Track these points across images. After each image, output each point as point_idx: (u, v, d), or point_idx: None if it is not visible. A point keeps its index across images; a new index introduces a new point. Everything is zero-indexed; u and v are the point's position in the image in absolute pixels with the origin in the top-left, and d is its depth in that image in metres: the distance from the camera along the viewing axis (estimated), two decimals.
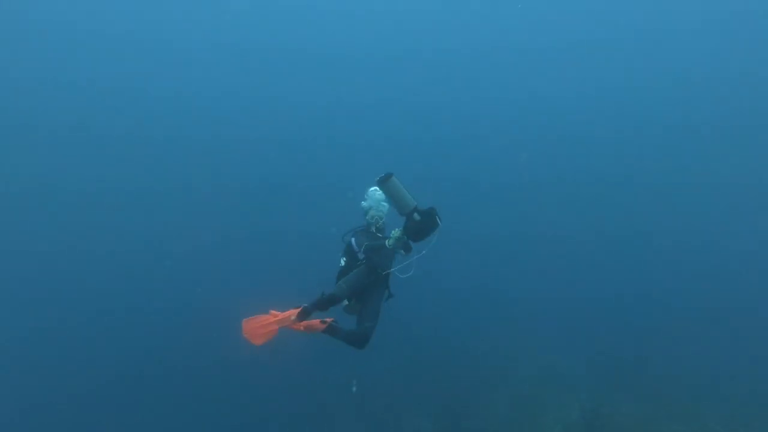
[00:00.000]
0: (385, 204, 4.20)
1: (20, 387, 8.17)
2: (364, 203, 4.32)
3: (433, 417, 7.30)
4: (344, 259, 4.13)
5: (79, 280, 11.61)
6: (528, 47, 18.96)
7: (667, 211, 14.77)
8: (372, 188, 4.29)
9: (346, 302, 3.97)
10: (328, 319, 3.71)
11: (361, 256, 4.00)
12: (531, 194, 15.68)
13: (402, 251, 3.96)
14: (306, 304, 3.72)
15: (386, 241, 3.91)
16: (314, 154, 17.11)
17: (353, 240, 4.16)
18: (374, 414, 7.40)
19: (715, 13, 17.53)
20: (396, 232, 3.91)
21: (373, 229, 4.26)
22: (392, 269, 3.92)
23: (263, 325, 3.66)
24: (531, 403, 7.44)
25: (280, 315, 3.70)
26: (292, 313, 3.68)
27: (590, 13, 18.35)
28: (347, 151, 16.61)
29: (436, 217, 3.82)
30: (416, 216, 3.79)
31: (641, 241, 13.81)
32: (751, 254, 12.57)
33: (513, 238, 14.16)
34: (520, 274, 12.13)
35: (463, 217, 14.31)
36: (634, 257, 13.25)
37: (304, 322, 3.69)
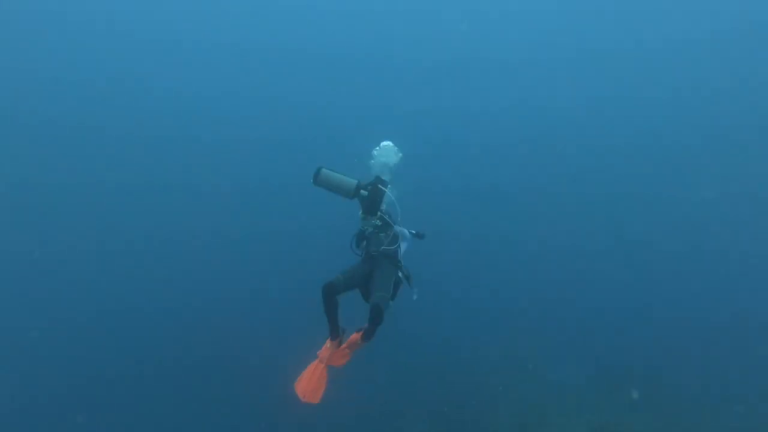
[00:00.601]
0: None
1: (20, 387, 8.16)
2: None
3: (432, 427, 7.19)
4: None
5: (78, 281, 11.61)
6: (531, 50, 18.97)
7: (671, 221, 14.68)
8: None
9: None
10: (362, 327, 3.70)
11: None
12: (537, 203, 15.50)
13: (379, 224, 4.01)
14: (330, 330, 3.68)
15: (361, 226, 4.03)
16: (314, 154, 17.10)
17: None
18: (372, 423, 7.30)
19: (717, 17, 17.52)
20: (361, 215, 3.98)
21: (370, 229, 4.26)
22: (383, 247, 3.93)
23: (312, 374, 3.58)
24: (535, 418, 7.24)
25: (321, 352, 3.66)
26: (328, 342, 3.68)
27: (592, 17, 18.36)
28: (349, 150, 16.57)
29: (379, 185, 3.81)
30: (363, 193, 3.81)
31: (647, 252, 13.57)
32: (757, 262, 12.50)
33: (518, 247, 13.93)
34: (524, 283, 11.87)
35: (467, 224, 14.22)
36: (640, 268, 12.99)
37: (344, 345, 3.70)
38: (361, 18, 19.68)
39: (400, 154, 4.33)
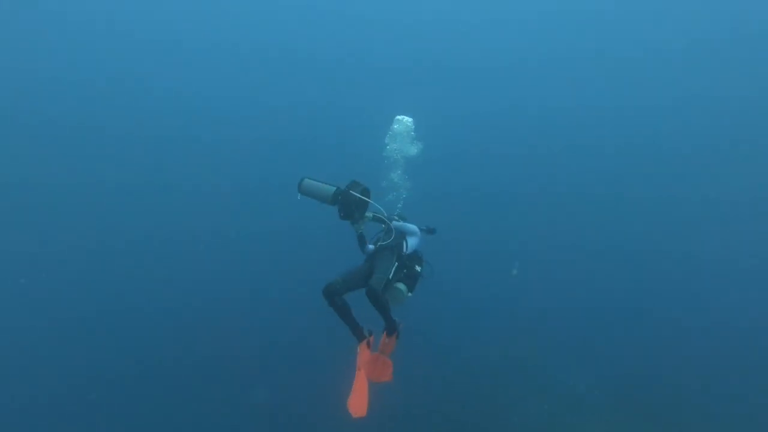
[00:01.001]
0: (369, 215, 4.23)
1: (20, 387, 8.16)
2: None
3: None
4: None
5: (78, 281, 11.60)
6: (531, 53, 18.95)
7: (671, 222, 14.59)
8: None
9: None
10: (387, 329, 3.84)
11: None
12: (551, 207, 15.38)
13: (383, 225, 4.21)
14: (353, 334, 3.74)
15: (355, 230, 4.19)
16: (314, 154, 17.10)
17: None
18: (376, 425, 7.22)
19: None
20: (352, 224, 4.14)
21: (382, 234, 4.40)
22: (380, 243, 4.13)
23: (359, 390, 3.62)
24: (544, 422, 7.13)
25: (359, 362, 3.71)
26: (359, 348, 3.71)
27: (596, 18, 18.35)
28: (349, 151, 16.60)
29: (351, 191, 3.86)
30: (339, 199, 3.93)
31: (664, 260, 13.35)
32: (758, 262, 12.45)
33: (531, 252, 13.74)
34: (538, 290, 11.60)
35: (476, 228, 14.08)
36: (650, 271, 12.86)
37: (378, 352, 3.79)
38: (362, 18, 19.66)
39: (420, 144, 4.38)
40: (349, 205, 3.85)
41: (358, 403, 3.53)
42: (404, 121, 4.36)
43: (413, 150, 4.42)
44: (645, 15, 18.15)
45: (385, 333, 3.76)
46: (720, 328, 9.74)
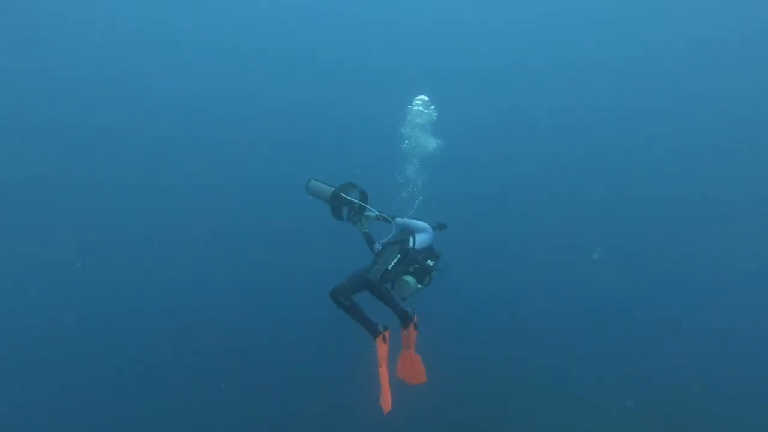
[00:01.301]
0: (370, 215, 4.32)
1: (19, 387, 8.16)
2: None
3: None
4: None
5: (78, 281, 11.61)
6: (531, 54, 18.92)
7: (692, 228, 14.47)
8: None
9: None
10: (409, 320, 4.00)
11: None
12: (551, 207, 15.33)
13: (385, 222, 4.34)
14: (368, 331, 3.78)
15: (362, 230, 4.33)
16: (314, 155, 17.10)
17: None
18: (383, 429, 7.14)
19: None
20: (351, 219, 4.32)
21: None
22: (383, 241, 4.27)
23: (385, 386, 3.66)
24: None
25: (378, 358, 3.72)
26: (376, 344, 3.74)
27: (597, 18, 18.32)
28: (349, 151, 16.61)
29: (340, 194, 4.04)
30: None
31: (664, 261, 13.23)
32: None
33: (531, 252, 13.68)
34: (538, 290, 11.57)
35: (476, 227, 14.04)
36: (656, 276, 12.74)
37: (404, 347, 3.93)
38: (365, 18, 19.63)
39: (439, 141, 4.60)
40: (339, 206, 3.99)
41: (384, 399, 3.59)
42: (423, 101, 4.57)
43: (432, 142, 4.66)
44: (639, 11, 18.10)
45: (404, 327, 3.85)
46: (720, 328, 9.74)
